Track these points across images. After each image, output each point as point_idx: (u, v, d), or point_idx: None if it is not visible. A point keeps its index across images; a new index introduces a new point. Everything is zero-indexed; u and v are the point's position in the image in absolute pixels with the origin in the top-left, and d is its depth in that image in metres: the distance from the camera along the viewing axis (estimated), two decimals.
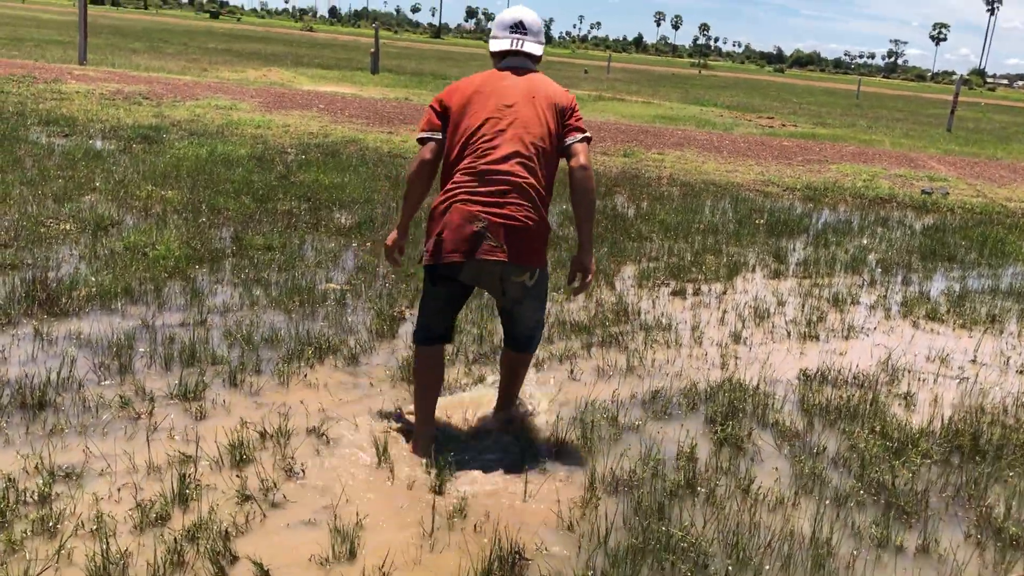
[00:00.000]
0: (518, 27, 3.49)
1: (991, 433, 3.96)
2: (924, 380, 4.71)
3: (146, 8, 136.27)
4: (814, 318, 5.63)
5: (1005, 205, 11.07)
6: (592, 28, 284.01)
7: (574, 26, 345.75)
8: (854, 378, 4.59)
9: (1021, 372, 5.01)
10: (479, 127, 3.27)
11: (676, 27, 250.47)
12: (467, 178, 3.22)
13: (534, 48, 3.50)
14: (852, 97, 47.69)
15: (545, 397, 4.03)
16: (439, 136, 3.37)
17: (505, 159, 3.21)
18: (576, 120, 3.38)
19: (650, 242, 7.35)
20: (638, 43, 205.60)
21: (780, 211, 9.35)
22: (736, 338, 5.14)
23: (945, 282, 6.93)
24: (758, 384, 4.36)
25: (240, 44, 39.86)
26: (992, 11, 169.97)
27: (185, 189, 7.48)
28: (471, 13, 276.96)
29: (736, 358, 4.80)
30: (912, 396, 4.43)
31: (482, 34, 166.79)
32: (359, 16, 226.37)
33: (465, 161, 3.26)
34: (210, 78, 19.17)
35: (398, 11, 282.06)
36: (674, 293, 5.99)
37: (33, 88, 13.92)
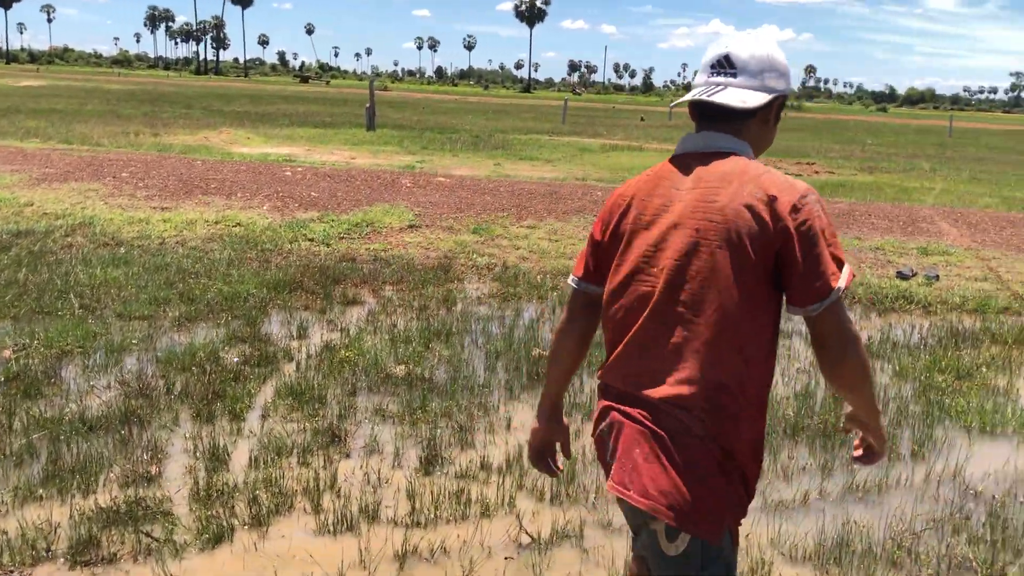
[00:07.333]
0: (720, 65, 1.86)
1: None
2: None
3: (247, 76, 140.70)
4: None
5: (1018, 293, 7.20)
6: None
7: (678, 74, 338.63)
8: None
9: None
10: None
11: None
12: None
13: (741, 97, 1.79)
14: (945, 135, 42.29)
15: None
16: (591, 288, 2.00)
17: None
18: (816, 263, 1.70)
19: None
20: None
21: None
22: None
23: None
24: None
25: (254, 106, 36.20)
26: None
27: None
28: (574, 67, 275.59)
29: None
30: None
31: (573, 86, 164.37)
32: (464, 76, 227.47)
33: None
34: (114, 147, 16.85)
35: (502, 67, 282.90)
36: None
37: None
